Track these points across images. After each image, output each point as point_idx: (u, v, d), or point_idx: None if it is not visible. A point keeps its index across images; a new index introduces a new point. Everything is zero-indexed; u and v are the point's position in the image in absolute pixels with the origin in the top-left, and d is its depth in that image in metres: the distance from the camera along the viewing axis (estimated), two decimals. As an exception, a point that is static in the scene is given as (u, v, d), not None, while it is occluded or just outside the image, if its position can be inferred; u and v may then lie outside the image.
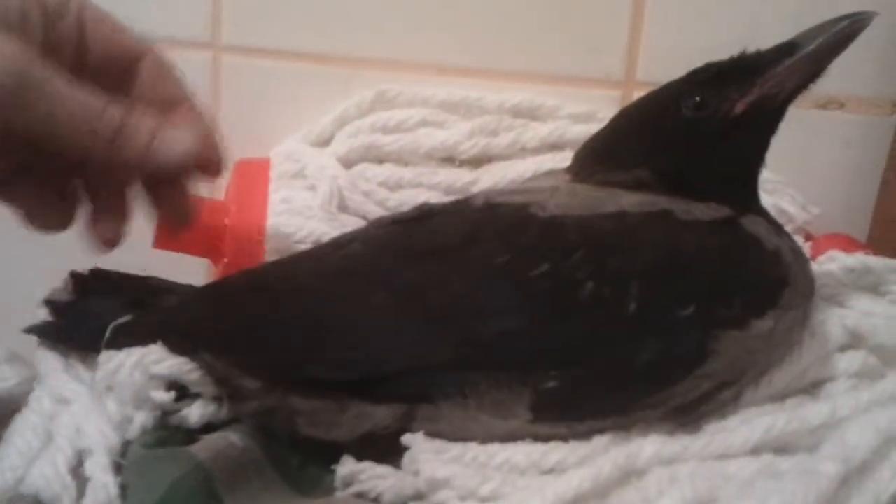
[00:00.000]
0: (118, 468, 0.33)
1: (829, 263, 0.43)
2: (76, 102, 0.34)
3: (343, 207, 0.55)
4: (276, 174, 0.58)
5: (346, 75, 0.65)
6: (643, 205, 0.37)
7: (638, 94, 0.64)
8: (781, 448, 0.33)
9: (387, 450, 0.34)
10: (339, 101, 0.63)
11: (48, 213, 0.39)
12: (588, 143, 0.44)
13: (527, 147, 0.61)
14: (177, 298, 0.43)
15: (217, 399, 0.37)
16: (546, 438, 0.34)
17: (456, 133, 0.61)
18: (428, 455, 0.32)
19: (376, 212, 0.56)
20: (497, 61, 0.65)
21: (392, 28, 0.65)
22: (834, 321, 0.39)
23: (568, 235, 0.36)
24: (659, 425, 0.34)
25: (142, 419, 0.35)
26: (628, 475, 0.31)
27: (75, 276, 0.44)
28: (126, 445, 0.35)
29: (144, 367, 0.36)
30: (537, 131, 0.61)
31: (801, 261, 0.38)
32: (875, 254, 0.45)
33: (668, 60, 0.62)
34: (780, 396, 0.36)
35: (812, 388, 0.37)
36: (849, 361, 0.38)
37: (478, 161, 0.61)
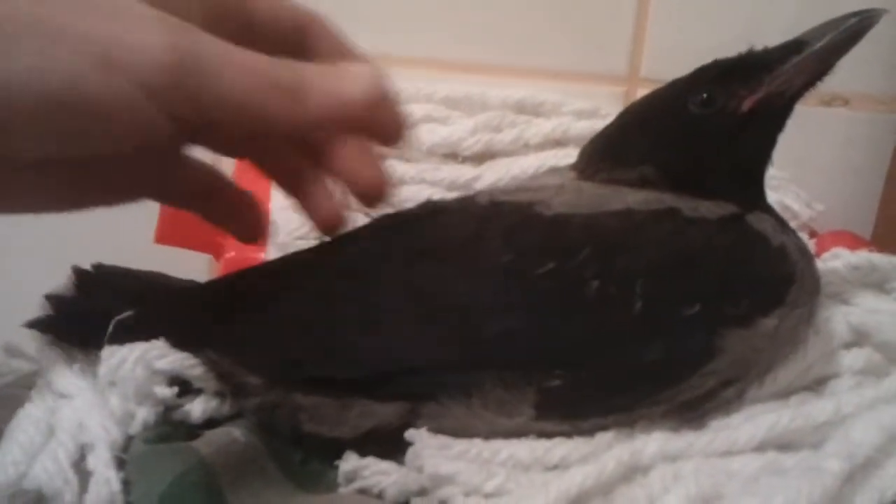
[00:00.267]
0: (121, 463, 0.33)
1: (834, 261, 0.43)
2: (247, 60, 0.30)
3: (345, 203, 0.55)
4: (279, 170, 0.58)
5: (349, 71, 0.65)
6: (649, 202, 0.36)
7: (641, 90, 0.65)
8: (786, 445, 0.32)
9: (390, 446, 0.34)
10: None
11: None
12: (593, 140, 0.43)
13: (530, 143, 0.61)
14: (179, 294, 0.42)
15: (220, 394, 0.37)
16: (550, 435, 0.33)
17: (459, 129, 0.61)
18: (432, 451, 0.32)
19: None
20: (501, 57, 0.65)
21: (395, 24, 0.65)
22: (838, 318, 0.39)
23: (573, 234, 0.35)
24: (662, 422, 0.34)
25: (144, 414, 0.35)
26: (632, 472, 0.31)
27: (77, 271, 0.44)
28: (128, 440, 0.35)
29: (147, 362, 0.36)
30: (540, 128, 0.61)
31: (807, 258, 0.38)
32: (879, 251, 0.45)
33: (671, 57, 0.63)
34: (785, 393, 0.36)
35: (816, 386, 0.37)
36: (853, 359, 0.37)
37: (481, 157, 0.61)
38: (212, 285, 0.43)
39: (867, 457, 0.29)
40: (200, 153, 0.36)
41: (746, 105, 0.38)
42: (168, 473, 0.32)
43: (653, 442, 0.31)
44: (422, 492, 0.32)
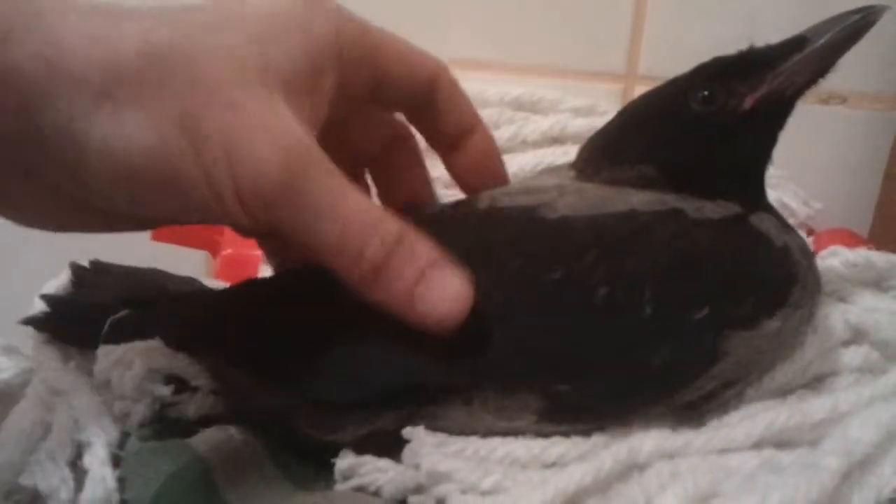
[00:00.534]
0: (116, 461, 0.33)
1: (832, 258, 0.43)
2: (358, 209, 0.30)
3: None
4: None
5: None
6: (653, 203, 0.36)
7: (640, 88, 0.65)
8: (783, 443, 0.32)
9: (387, 444, 0.34)
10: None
11: None
12: (592, 138, 0.43)
13: (528, 140, 0.61)
14: (177, 297, 0.42)
15: (215, 392, 0.37)
16: (547, 435, 0.33)
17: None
18: (429, 448, 0.32)
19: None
20: (498, 54, 0.65)
21: (391, 20, 0.64)
22: (836, 316, 0.38)
23: (578, 237, 0.35)
24: (660, 420, 0.34)
25: (140, 412, 0.35)
26: (630, 470, 0.31)
27: (74, 268, 0.44)
28: (124, 438, 0.35)
29: (143, 361, 0.36)
30: (538, 125, 0.61)
31: (809, 258, 0.37)
32: (877, 249, 0.45)
33: (670, 54, 0.63)
34: (783, 391, 0.36)
35: (814, 383, 0.37)
36: (851, 356, 0.37)
37: (479, 154, 0.61)
38: (212, 297, 0.42)
39: (865, 454, 0.29)
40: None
41: (748, 103, 0.37)
42: (164, 471, 0.32)
43: (650, 440, 0.31)
44: (418, 489, 0.32)
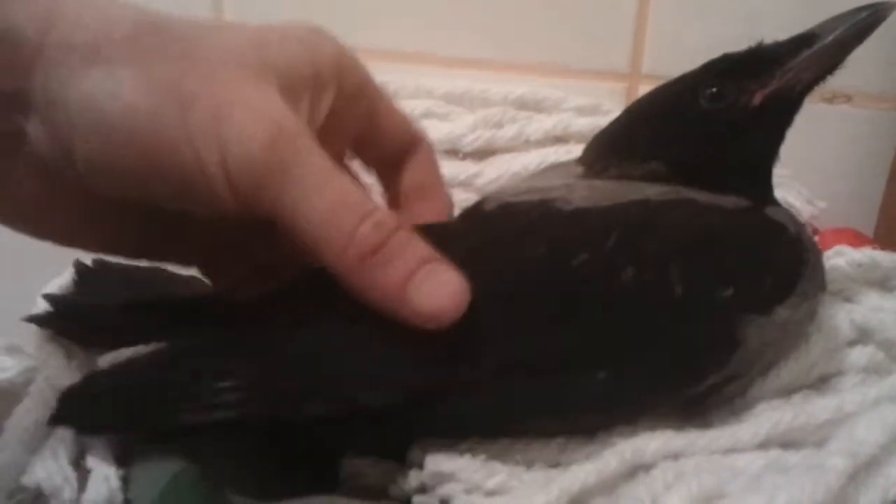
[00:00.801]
0: (120, 460, 0.33)
1: (837, 258, 0.42)
2: (343, 191, 0.29)
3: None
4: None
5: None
6: (667, 193, 0.36)
7: (643, 86, 0.64)
8: (789, 443, 0.32)
9: (392, 445, 0.34)
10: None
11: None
12: (600, 135, 0.43)
13: (531, 140, 0.61)
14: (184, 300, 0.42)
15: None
16: (553, 434, 0.33)
17: (460, 125, 0.61)
18: (433, 448, 0.32)
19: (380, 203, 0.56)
20: (502, 53, 0.64)
21: (394, 19, 0.65)
22: (841, 316, 0.38)
23: (598, 223, 0.34)
24: (665, 419, 0.33)
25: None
26: (635, 469, 0.31)
27: (78, 267, 0.44)
28: (128, 438, 0.35)
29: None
30: (542, 124, 0.61)
31: (817, 252, 0.37)
32: (882, 248, 0.45)
33: (673, 53, 0.63)
34: (788, 391, 0.35)
35: (819, 384, 0.37)
36: (856, 357, 0.37)
37: (481, 154, 0.61)
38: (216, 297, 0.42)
39: (871, 455, 0.29)
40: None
41: (757, 99, 0.37)
42: (168, 471, 0.32)
43: (655, 439, 0.31)
44: (422, 489, 0.32)
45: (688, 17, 0.63)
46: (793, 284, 0.34)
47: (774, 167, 0.40)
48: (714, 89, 0.38)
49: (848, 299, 0.41)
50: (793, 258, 0.35)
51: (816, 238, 0.53)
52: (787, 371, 0.36)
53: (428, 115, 0.62)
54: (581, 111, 0.62)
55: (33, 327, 0.41)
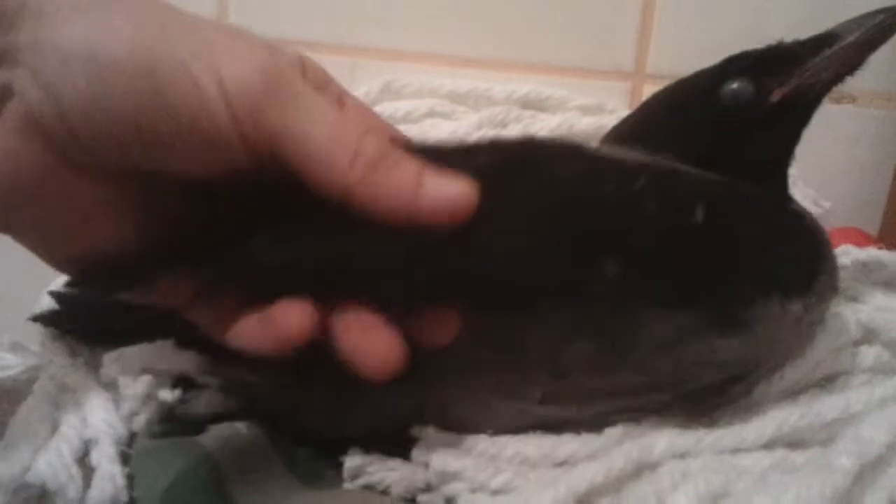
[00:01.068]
0: (125, 458, 0.33)
1: (842, 258, 0.42)
2: (333, 117, 0.29)
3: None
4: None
5: (352, 65, 0.65)
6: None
7: (648, 86, 0.64)
8: (795, 443, 0.32)
9: (396, 442, 0.34)
10: (346, 92, 0.63)
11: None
12: (618, 126, 0.43)
13: (535, 139, 0.61)
14: None
15: (224, 390, 0.37)
16: (554, 424, 0.33)
17: (464, 124, 0.60)
18: (438, 447, 0.32)
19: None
20: (506, 52, 0.64)
21: (399, 18, 0.64)
22: (847, 316, 0.38)
23: (627, 166, 0.34)
24: (671, 418, 0.33)
25: (148, 412, 0.35)
26: (641, 468, 0.30)
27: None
28: (132, 435, 0.35)
29: (150, 366, 0.35)
30: (546, 123, 0.61)
31: (833, 253, 0.38)
32: (887, 248, 0.45)
33: (678, 53, 0.63)
34: (794, 391, 0.35)
35: (825, 383, 0.36)
36: (862, 356, 0.37)
37: (486, 153, 0.61)
38: None
39: (877, 455, 0.29)
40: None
41: (775, 97, 0.37)
42: (172, 469, 0.32)
43: (662, 438, 0.31)
44: (428, 488, 0.32)
45: (693, 17, 0.63)
46: (811, 277, 0.34)
47: (790, 167, 0.40)
48: (734, 85, 0.38)
49: (853, 299, 0.41)
50: (814, 249, 0.35)
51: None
52: (792, 371, 0.36)
53: (432, 114, 0.62)
54: (585, 110, 0.62)
55: (38, 325, 0.41)
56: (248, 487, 0.32)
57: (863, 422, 0.31)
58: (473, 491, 0.31)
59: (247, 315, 0.31)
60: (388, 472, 0.33)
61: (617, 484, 0.30)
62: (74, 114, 0.27)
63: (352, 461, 0.34)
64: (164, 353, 0.36)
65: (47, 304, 0.41)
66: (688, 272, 0.32)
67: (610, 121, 0.61)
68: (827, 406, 0.33)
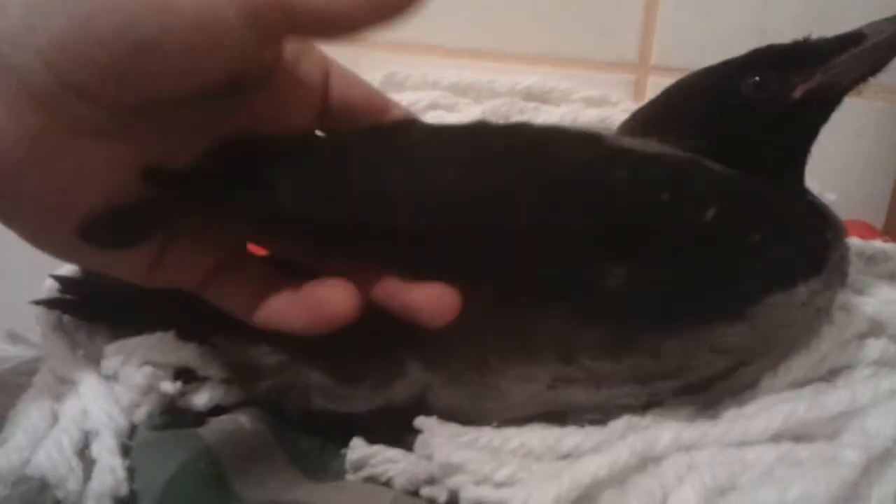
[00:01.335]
0: (125, 450, 0.33)
1: (847, 250, 0.42)
2: None
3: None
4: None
5: (354, 57, 0.64)
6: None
7: (652, 78, 0.64)
8: (801, 436, 0.32)
9: (399, 429, 0.33)
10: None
11: None
12: (636, 113, 0.43)
13: (538, 131, 0.61)
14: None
15: (226, 381, 0.37)
16: (563, 409, 0.33)
17: (467, 116, 0.60)
18: (441, 439, 0.32)
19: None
20: (509, 44, 0.64)
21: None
22: (853, 308, 0.38)
23: (637, 157, 0.34)
24: (676, 411, 0.33)
25: (149, 404, 0.35)
26: (646, 461, 0.30)
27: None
28: (133, 427, 0.34)
29: (151, 357, 0.35)
30: (550, 115, 0.61)
31: (846, 245, 0.38)
32: (892, 241, 0.45)
33: (682, 45, 0.62)
34: (799, 384, 0.35)
35: (831, 376, 0.36)
36: (868, 349, 0.37)
37: (489, 145, 0.61)
38: None
39: (884, 448, 0.29)
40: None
41: (798, 92, 0.37)
42: (173, 461, 0.31)
43: (667, 431, 0.31)
44: (431, 480, 0.32)
45: (696, 9, 0.63)
46: (818, 262, 0.34)
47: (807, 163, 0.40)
48: (757, 78, 0.37)
49: (859, 292, 0.41)
50: (826, 235, 0.35)
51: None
52: (798, 363, 0.35)
53: (434, 106, 0.61)
54: (589, 102, 0.62)
55: (37, 318, 0.40)
56: (249, 480, 0.32)
57: (869, 415, 0.31)
58: (477, 483, 0.31)
59: (276, 294, 0.32)
60: (391, 464, 0.33)
61: (621, 477, 0.30)
62: (51, 50, 0.26)
63: (354, 453, 0.34)
64: (165, 345, 0.36)
65: (49, 287, 0.41)
66: (697, 260, 0.32)
67: (614, 113, 0.61)
68: (833, 399, 0.33)
